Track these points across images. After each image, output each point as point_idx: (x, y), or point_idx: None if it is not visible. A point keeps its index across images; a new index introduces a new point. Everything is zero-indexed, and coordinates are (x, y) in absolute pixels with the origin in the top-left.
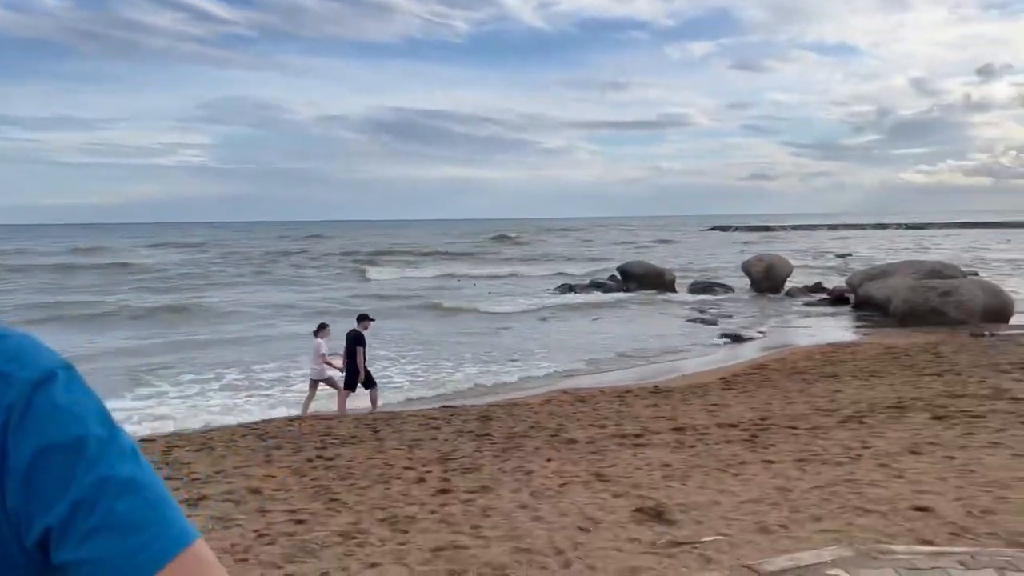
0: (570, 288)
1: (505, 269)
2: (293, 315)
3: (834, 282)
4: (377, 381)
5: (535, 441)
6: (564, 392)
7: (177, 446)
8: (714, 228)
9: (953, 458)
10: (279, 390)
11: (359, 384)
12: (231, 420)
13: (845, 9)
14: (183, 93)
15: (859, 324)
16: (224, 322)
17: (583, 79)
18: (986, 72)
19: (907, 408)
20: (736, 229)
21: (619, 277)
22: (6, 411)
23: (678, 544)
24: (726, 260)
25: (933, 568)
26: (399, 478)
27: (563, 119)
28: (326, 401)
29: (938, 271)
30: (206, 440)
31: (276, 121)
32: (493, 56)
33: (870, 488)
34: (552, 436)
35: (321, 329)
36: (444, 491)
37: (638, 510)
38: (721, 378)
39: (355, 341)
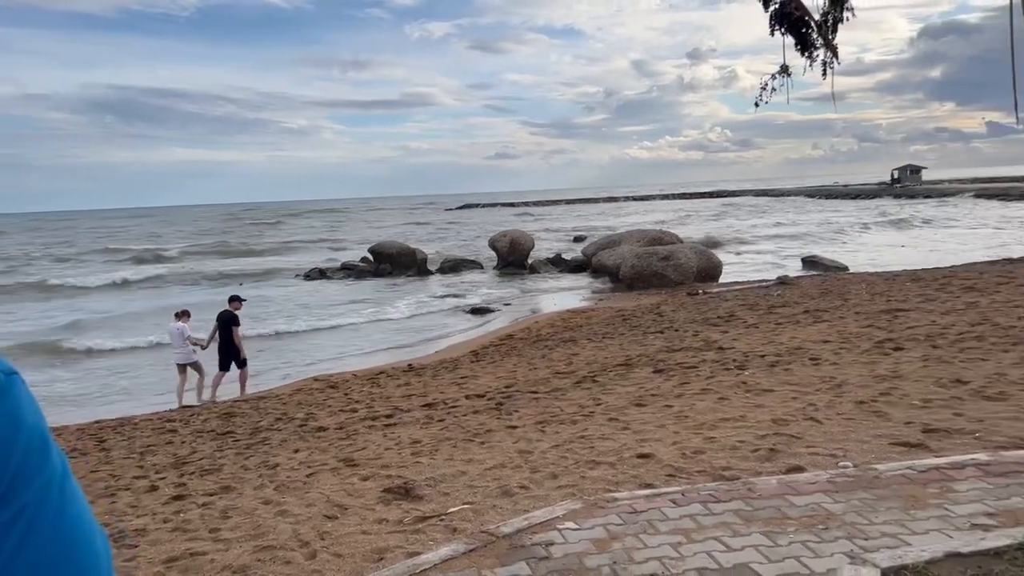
0: (321, 273)
1: (249, 261)
2: None
3: (572, 253)
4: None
5: (282, 433)
6: (315, 380)
7: None
8: (464, 206)
9: (671, 406)
10: None
11: (232, 363)
12: None
13: None
14: None
15: (594, 291)
16: None
17: (323, 57)
18: (695, 55)
19: (633, 365)
20: (484, 206)
21: (371, 259)
22: None
23: (425, 519)
24: (475, 238)
25: (650, 509)
26: (128, 489)
27: (304, 98)
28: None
29: (659, 238)
30: None
31: None
32: (225, 31)
33: (600, 442)
34: (300, 426)
35: (184, 315)
36: (179, 497)
37: (386, 490)
38: (471, 351)
39: (230, 321)
